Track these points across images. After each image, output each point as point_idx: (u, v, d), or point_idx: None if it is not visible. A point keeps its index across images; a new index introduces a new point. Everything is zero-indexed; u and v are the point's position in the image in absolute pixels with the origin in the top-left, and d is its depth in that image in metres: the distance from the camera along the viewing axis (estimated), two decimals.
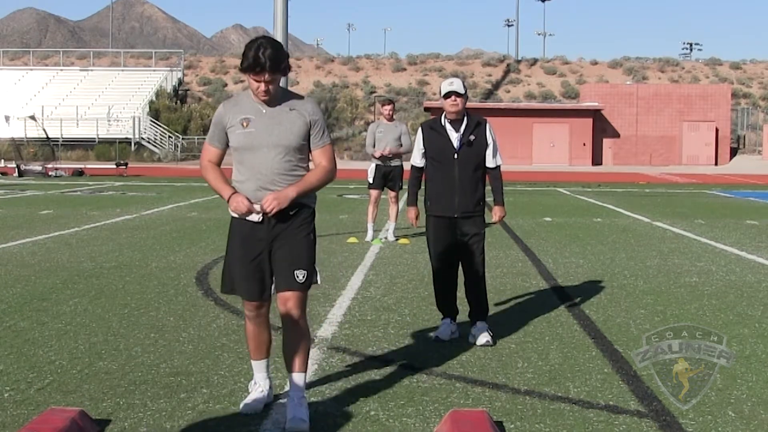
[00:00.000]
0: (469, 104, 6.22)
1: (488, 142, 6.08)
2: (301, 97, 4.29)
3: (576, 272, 9.18)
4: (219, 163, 4.31)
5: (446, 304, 6.16)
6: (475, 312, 6.11)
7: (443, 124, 6.08)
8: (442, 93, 5.99)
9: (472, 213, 6.02)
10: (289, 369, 4.26)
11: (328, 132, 4.32)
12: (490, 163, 6.11)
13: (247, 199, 4.10)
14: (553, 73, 70.19)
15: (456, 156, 6.01)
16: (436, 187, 6.08)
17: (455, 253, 6.10)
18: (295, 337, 4.23)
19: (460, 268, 6.19)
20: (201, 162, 4.35)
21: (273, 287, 4.27)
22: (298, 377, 4.23)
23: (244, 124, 4.15)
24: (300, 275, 4.17)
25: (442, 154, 6.05)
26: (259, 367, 4.46)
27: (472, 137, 6.02)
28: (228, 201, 4.14)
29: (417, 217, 6.32)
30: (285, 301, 4.20)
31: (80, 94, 56.35)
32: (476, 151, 6.05)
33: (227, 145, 4.25)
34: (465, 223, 6.03)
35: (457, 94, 5.90)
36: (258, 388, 4.43)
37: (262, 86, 4.07)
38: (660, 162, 50.41)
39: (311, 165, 4.28)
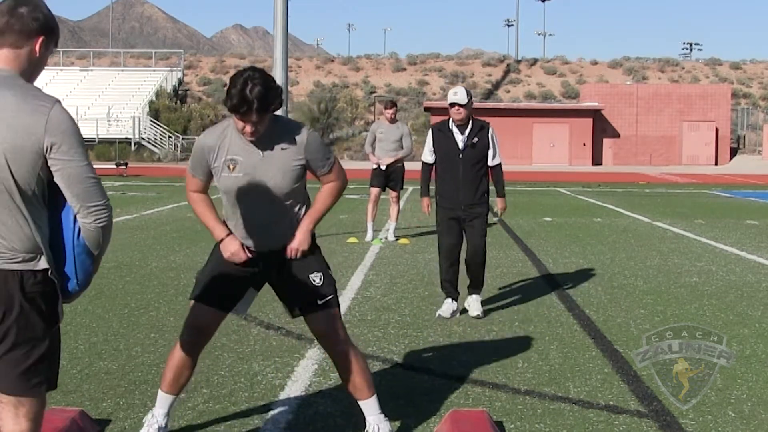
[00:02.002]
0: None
1: (489, 145, 6.85)
2: (294, 127, 3.77)
3: (576, 272, 9.18)
4: (206, 191, 3.88)
5: (449, 286, 6.86)
6: (472, 284, 6.94)
7: (450, 127, 6.84)
8: (448, 102, 6.75)
9: (475, 204, 6.79)
10: (358, 397, 3.91)
11: (330, 152, 3.88)
12: (491, 162, 6.90)
13: (242, 244, 3.79)
14: (553, 73, 70.17)
15: (460, 156, 6.78)
16: (444, 184, 6.87)
17: (460, 240, 6.89)
18: (349, 363, 3.83)
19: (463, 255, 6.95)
20: (186, 192, 3.92)
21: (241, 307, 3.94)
22: (371, 402, 3.90)
23: (231, 167, 3.70)
24: (316, 278, 3.82)
25: (449, 154, 6.83)
26: (165, 401, 3.92)
27: (475, 140, 6.78)
28: (220, 244, 3.81)
29: (429, 206, 7.17)
30: (317, 321, 3.83)
31: (80, 94, 56.33)
32: (479, 152, 6.81)
33: (211, 177, 3.81)
34: (468, 212, 6.79)
35: (459, 105, 6.65)
36: (154, 424, 3.89)
37: (249, 127, 3.57)
38: (660, 162, 50.39)
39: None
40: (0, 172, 2.62)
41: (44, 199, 2.74)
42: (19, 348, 2.68)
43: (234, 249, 3.78)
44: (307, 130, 3.80)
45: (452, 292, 6.86)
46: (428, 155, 7.01)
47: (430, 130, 7.05)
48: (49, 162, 2.65)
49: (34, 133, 2.61)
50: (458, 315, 6.78)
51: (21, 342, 2.68)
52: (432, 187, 7.16)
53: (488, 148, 6.84)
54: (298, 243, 3.80)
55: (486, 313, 6.93)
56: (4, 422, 2.74)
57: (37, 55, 2.74)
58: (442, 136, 6.86)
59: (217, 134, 3.77)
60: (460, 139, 6.77)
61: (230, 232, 3.83)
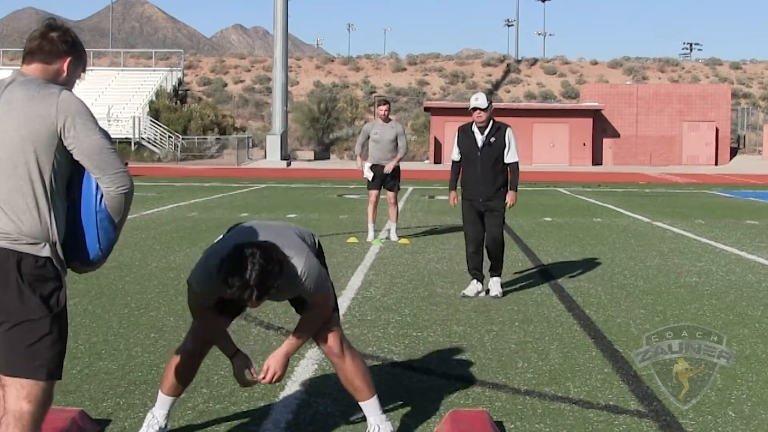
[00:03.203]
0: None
1: (506, 144, 7.72)
2: (295, 277, 3.59)
3: (576, 272, 9.18)
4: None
5: (474, 269, 7.74)
6: (492, 268, 7.75)
7: (472, 129, 7.76)
8: (470, 107, 7.62)
9: (492, 197, 7.67)
10: (358, 398, 3.94)
11: (323, 285, 3.74)
12: (507, 159, 7.75)
13: (248, 360, 3.78)
14: (553, 73, 70.18)
15: (479, 154, 7.70)
16: (467, 178, 7.81)
17: (482, 227, 7.74)
18: (347, 366, 3.87)
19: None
20: (186, 341, 3.84)
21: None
22: (371, 403, 3.93)
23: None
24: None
25: (470, 153, 7.76)
26: (165, 402, 3.94)
27: (492, 139, 7.68)
28: (230, 359, 3.80)
29: (454, 199, 8.08)
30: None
31: (80, 94, 54.62)
32: (496, 151, 7.68)
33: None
34: (487, 204, 7.68)
35: (480, 109, 7.54)
36: (155, 424, 3.93)
37: (253, 304, 3.45)
38: (660, 162, 50.37)
39: None
40: (19, 158, 2.79)
41: (64, 187, 2.88)
42: (17, 328, 2.76)
43: (239, 368, 3.75)
44: (305, 276, 3.61)
45: (477, 275, 7.73)
46: (455, 154, 7.95)
47: (456, 132, 7.99)
48: (66, 142, 2.83)
49: (47, 116, 2.80)
50: (482, 295, 7.62)
51: (19, 322, 2.76)
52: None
53: (505, 147, 7.70)
54: (273, 373, 3.73)
55: (486, 312, 6.95)
56: (7, 403, 2.82)
57: (65, 74, 2.98)
58: (465, 136, 7.83)
59: (212, 284, 3.54)
60: (479, 138, 7.70)
61: (237, 350, 3.77)
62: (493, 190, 7.68)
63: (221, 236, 3.84)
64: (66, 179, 2.89)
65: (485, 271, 7.81)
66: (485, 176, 7.65)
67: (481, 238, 7.77)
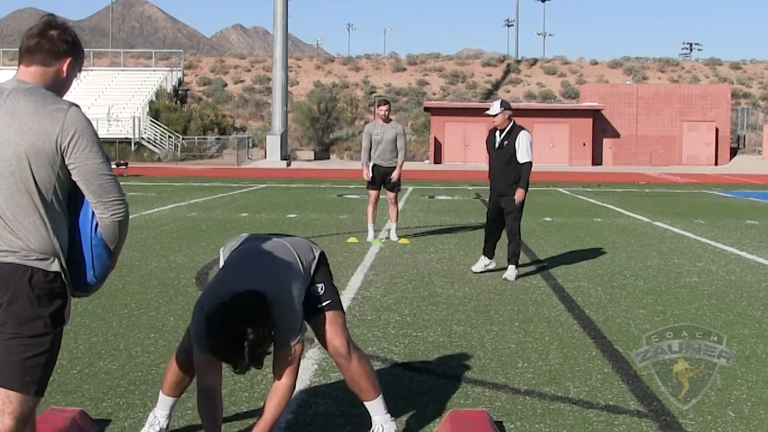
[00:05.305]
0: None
1: (517, 146, 8.59)
2: (286, 319, 3.51)
3: (576, 272, 9.18)
4: (220, 380, 3.56)
5: (487, 248, 8.98)
6: (509, 256, 8.71)
7: (495, 132, 8.83)
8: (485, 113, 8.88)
9: (505, 193, 8.69)
10: (363, 399, 3.91)
11: (298, 330, 3.55)
12: (519, 159, 8.61)
13: None
14: (553, 73, 70.17)
15: (495, 154, 8.77)
16: (490, 173, 8.96)
17: (498, 219, 8.89)
18: (353, 367, 3.82)
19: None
20: (198, 381, 3.54)
21: None
22: (377, 403, 3.91)
23: None
24: (318, 288, 3.80)
25: (490, 152, 8.89)
26: (166, 402, 3.93)
27: (505, 142, 8.67)
28: None
29: None
30: (317, 323, 3.80)
31: (80, 94, 56.24)
32: (507, 152, 8.64)
33: None
34: (503, 199, 8.75)
35: (491, 115, 8.66)
36: (156, 425, 3.93)
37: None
38: (660, 162, 50.36)
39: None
40: (22, 173, 2.74)
41: (65, 204, 2.85)
42: (20, 340, 2.74)
43: None
44: (283, 324, 3.48)
45: (488, 253, 8.95)
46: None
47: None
48: (67, 161, 2.78)
49: (51, 133, 2.75)
50: (490, 267, 8.90)
51: (22, 334, 2.74)
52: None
53: (516, 149, 8.56)
54: None
55: (486, 312, 6.95)
56: None
57: (64, 75, 2.91)
58: (489, 137, 8.93)
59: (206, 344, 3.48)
60: (497, 140, 8.74)
61: None
62: (506, 187, 8.65)
63: (221, 267, 3.75)
64: (67, 198, 2.85)
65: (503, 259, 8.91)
66: (499, 174, 8.71)
67: (495, 226, 8.90)
